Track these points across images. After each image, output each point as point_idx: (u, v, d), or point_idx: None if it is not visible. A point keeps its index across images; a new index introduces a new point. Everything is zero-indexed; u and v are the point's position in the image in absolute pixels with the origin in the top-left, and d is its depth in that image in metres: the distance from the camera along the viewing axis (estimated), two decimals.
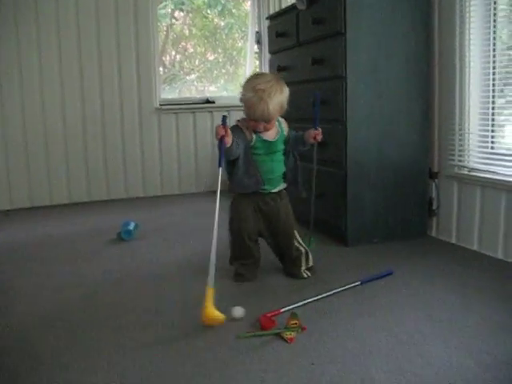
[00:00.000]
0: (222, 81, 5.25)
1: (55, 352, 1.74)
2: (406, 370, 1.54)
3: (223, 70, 5.28)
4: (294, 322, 1.84)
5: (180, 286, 2.35)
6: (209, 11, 5.14)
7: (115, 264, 2.69)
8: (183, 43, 5.21)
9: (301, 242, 2.40)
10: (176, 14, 5.11)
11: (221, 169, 2.06)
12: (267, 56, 4.05)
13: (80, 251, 2.94)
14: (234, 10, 5.20)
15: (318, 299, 2.10)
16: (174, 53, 5.20)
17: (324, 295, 2.13)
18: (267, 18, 3.82)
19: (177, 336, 1.83)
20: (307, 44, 3.09)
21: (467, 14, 2.70)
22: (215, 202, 1.97)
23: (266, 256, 2.47)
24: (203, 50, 5.25)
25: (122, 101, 4.45)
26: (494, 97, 2.70)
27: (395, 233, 2.92)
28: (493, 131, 2.71)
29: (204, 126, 4.74)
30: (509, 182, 2.52)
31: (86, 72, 4.30)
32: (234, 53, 5.32)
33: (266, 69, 4.66)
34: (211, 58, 5.25)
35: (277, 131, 2.33)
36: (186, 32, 5.19)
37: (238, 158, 2.25)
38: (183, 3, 5.02)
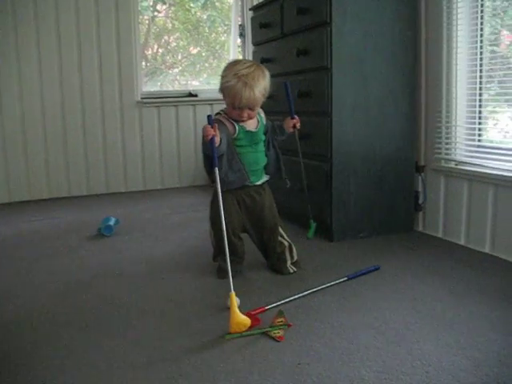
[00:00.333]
0: (205, 75, 5.17)
1: (34, 350, 1.66)
2: (396, 369, 1.48)
3: (206, 64, 5.21)
4: (280, 319, 1.78)
5: (162, 282, 2.28)
6: (192, 4, 5.06)
7: (95, 261, 2.61)
8: (166, 37, 5.12)
9: (284, 235, 2.36)
10: (158, 6, 5.02)
11: (216, 169, 2.00)
12: (251, 49, 3.98)
13: (59, 248, 2.86)
14: (216, 3, 5.12)
15: (303, 295, 2.04)
16: (156, 46, 5.11)
17: (310, 291, 2.08)
18: (251, 9, 3.75)
19: (158, 336, 1.76)
20: (292, 35, 3.03)
21: (454, 5, 2.65)
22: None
23: (250, 251, 2.41)
24: (186, 43, 5.17)
25: (103, 94, 4.36)
26: (481, 89, 2.67)
27: (381, 227, 2.87)
28: (480, 124, 2.68)
29: (187, 120, 4.66)
30: (496, 175, 2.48)
31: (65, 65, 4.20)
32: (217, 46, 5.26)
33: None
34: (194, 51, 5.18)
35: (257, 121, 2.28)
36: (169, 25, 5.11)
37: (222, 154, 2.19)
38: None
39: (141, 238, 3.01)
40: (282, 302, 1.98)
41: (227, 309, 1.81)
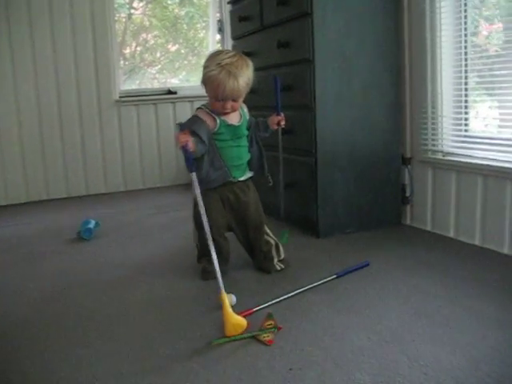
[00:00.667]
0: (185, 72, 5.08)
1: (7, 363, 1.56)
2: (392, 372, 1.41)
3: (185, 62, 5.11)
4: (270, 322, 1.70)
5: (143, 286, 2.19)
6: (169, 1, 4.96)
7: (74, 266, 2.51)
8: (144, 35, 5.01)
9: (270, 234, 2.29)
10: (135, 4, 4.91)
11: (194, 174, 1.92)
12: (230, 44, 3.89)
13: (35, 253, 2.75)
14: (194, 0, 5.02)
15: (292, 295, 1.97)
16: (134, 45, 5.00)
17: (298, 291, 2.00)
18: (229, 3, 3.66)
19: (140, 343, 1.67)
20: (272, 27, 2.94)
21: None
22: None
23: (235, 251, 2.33)
24: (164, 41, 5.07)
25: (80, 94, 4.24)
26: (466, 78, 2.61)
27: (369, 222, 2.81)
28: (466, 114, 2.62)
29: (166, 118, 4.56)
30: (485, 165, 2.43)
31: (39, 64, 4.07)
32: (196, 43, 5.16)
33: None
34: (173, 49, 5.07)
35: (240, 116, 2.20)
36: (147, 23, 5.00)
37: (203, 154, 2.11)
38: None
39: (122, 241, 2.91)
40: (270, 303, 1.90)
41: (219, 309, 1.72)
